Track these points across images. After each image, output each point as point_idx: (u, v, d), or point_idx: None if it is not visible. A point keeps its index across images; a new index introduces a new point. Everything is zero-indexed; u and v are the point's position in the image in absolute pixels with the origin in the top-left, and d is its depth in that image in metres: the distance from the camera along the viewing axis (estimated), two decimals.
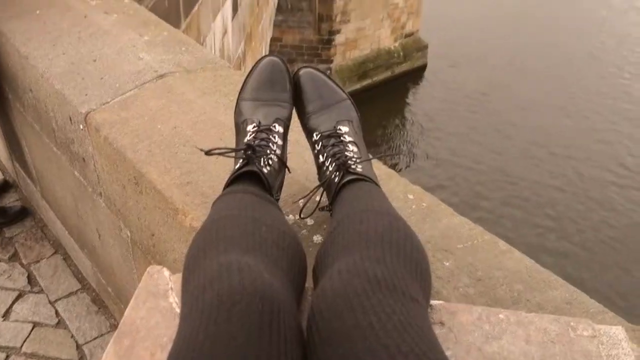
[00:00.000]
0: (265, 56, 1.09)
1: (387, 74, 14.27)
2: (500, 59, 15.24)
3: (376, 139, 12.73)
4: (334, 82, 1.08)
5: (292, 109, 1.07)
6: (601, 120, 13.29)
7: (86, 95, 1.55)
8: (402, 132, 13.51)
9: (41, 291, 2.19)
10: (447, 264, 0.99)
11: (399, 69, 14.44)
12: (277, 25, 11.02)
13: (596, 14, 17.82)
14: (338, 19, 12.89)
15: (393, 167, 12.01)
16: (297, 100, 1.07)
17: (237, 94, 1.11)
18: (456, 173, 11.82)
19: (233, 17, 5.18)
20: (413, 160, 12.42)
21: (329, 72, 13.11)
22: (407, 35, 14.46)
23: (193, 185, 1.21)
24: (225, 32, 4.97)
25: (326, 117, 1.03)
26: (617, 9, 17.97)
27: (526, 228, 10.36)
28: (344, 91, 1.08)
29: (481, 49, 15.59)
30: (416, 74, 14.79)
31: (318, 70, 1.10)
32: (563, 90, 14.24)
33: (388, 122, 13.64)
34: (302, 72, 1.08)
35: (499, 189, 11.43)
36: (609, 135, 12.79)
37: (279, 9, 10.58)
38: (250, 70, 1.09)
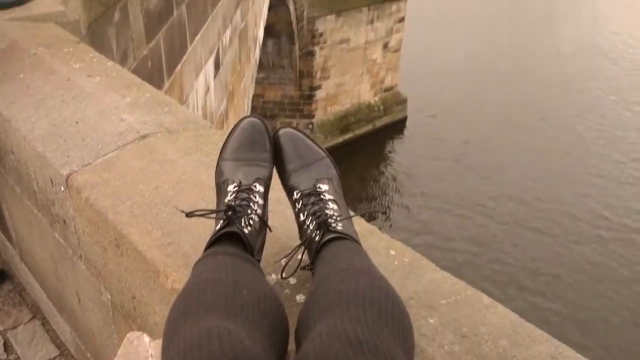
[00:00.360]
0: (246, 117, 1.12)
1: (369, 127, 14.55)
2: (478, 109, 15.66)
3: (360, 192, 12.82)
4: (312, 141, 1.11)
5: (273, 168, 1.09)
6: (585, 167, 13.55)
7: (68, 157, 1.56)
8: (385, 185, 13.64)
9: (17, 359, 2.11)
10: (432, 320, 0.99)
11: (379, 122, 14.73)
12: (259, 82, 11.25)
13: (570, 64, 18.50)
14: (318, 75, 13.21)
15: (385, 218, 12.02)
16: (277, 159, 1.09)
17: (218, 153, 1.12)
18: (441, 222, 11.87)
19: (215, 75, 5.28)
20: (407, 210, 12.45)
21: (310, 126, 13.32)
22: (387, 90, 14.84)
23: (175, 246, 1.20)
24: (207, 90, 5.05)
25: (306, 176, 1.04)
26: (589, 65, 18.65)
27: (513, 279, 10.35)
28: (323, 150, 1.10)
29: (459, 101, 16.03)
30: (397, 127, 15.10)
31: (297, 129, 1.12)
32: (543, 137, 14.59)
33: (371, 175, 13.78)
34: (281, 132, 1.10)
35: (485, 237, 11.48)
36: (594, 183, 13.00)
37: (261, 66, 10.83)
38: (231, 131, 1.11)
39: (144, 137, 1.61)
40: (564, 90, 16.81)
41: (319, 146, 1.11)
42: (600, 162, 13.69)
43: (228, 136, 1.11)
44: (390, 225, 11.77)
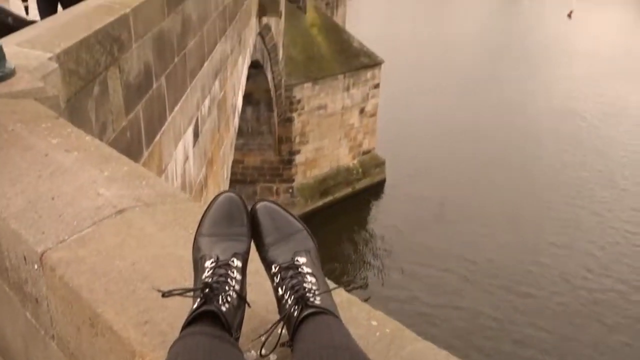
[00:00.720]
0: (223, 192, 1.13)
1: (348, 190, 14.69)
2: (454, 167, 15.98)
3: (345, 256, 12.72)
4: (290, 213, 1.12)
5: (250, 242, 1.09)
6: (563, 224, 13.72)
7: (43, 233, 1.53)
8: (366, 246, 13.59)
9: None
10: None
11: (359, 185, 14.90)
12: (238, 148, 11.36)
13: (542, 123, 19.09)
14: (297, 140, 13.42)
15: (366, 282, 11.88)
16: (255, 233, 1.09)
17: (196, 226, 1.12)
18: (424, 284, 11.78)
19: (194, 144, 5.34)
20: (389, 273, 12.34)
21: (291, 190, 13.39)
22: (365, 153, 15.12)
23: (151, 324, 1.17)
24: (186, 159, 5.08)
25: (284, 249, 1.04)
26: (562, 125, 19.29)
27: (497, 343, 10.22)
28: (300, 222, 1.11)
29: (434, 160, 16.37)
30: (376, 189, 15.30)
31: (274, 202, 1.13)
32: (520, 193, 14.84)
33: (352, 237, 13.76)
34: (258, 205, 1.11)
35: (464, 296, 11.39)
36: (574, 238, 13.12)
37: (240, 133, 10.98)
38: (208, 206, 1.12)
39: (121, 211, 1.60)
40: (539, 148, 17.29)
41: (296, 219, 1.11)
42: (583, 220, 13.90)
43: (205, 211, 1.12)
44: (371, 291, 11.63)
